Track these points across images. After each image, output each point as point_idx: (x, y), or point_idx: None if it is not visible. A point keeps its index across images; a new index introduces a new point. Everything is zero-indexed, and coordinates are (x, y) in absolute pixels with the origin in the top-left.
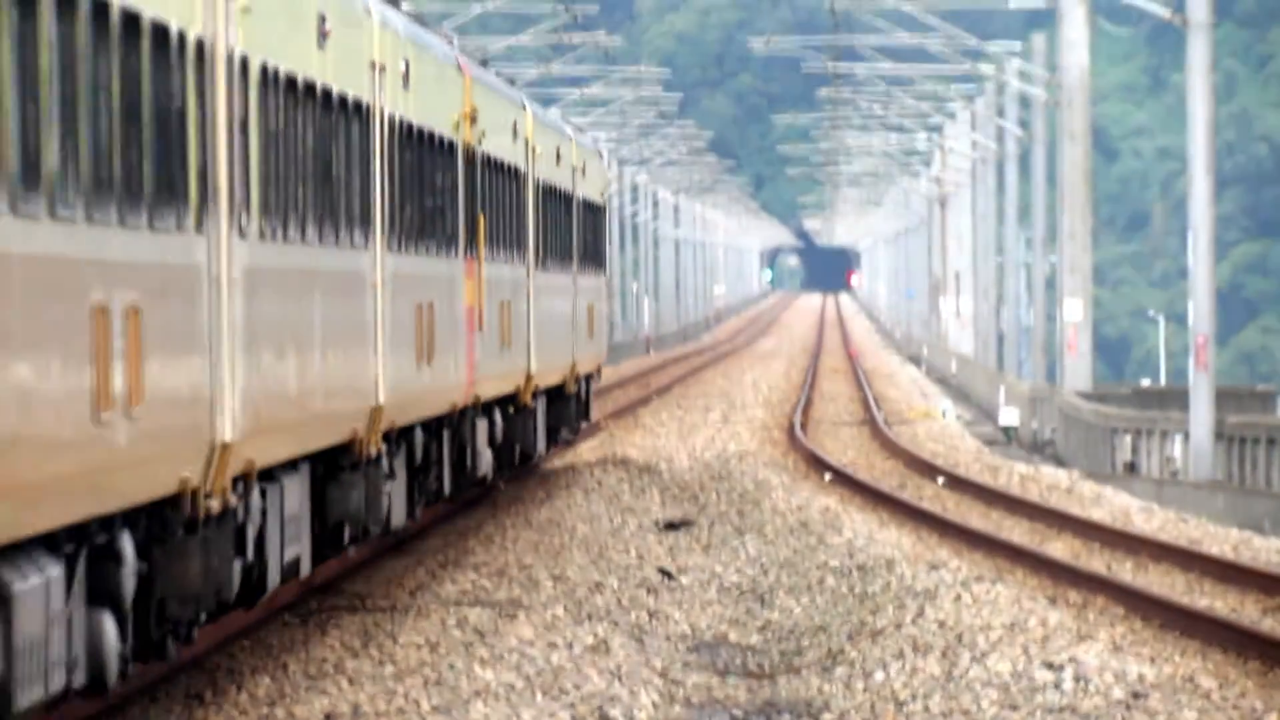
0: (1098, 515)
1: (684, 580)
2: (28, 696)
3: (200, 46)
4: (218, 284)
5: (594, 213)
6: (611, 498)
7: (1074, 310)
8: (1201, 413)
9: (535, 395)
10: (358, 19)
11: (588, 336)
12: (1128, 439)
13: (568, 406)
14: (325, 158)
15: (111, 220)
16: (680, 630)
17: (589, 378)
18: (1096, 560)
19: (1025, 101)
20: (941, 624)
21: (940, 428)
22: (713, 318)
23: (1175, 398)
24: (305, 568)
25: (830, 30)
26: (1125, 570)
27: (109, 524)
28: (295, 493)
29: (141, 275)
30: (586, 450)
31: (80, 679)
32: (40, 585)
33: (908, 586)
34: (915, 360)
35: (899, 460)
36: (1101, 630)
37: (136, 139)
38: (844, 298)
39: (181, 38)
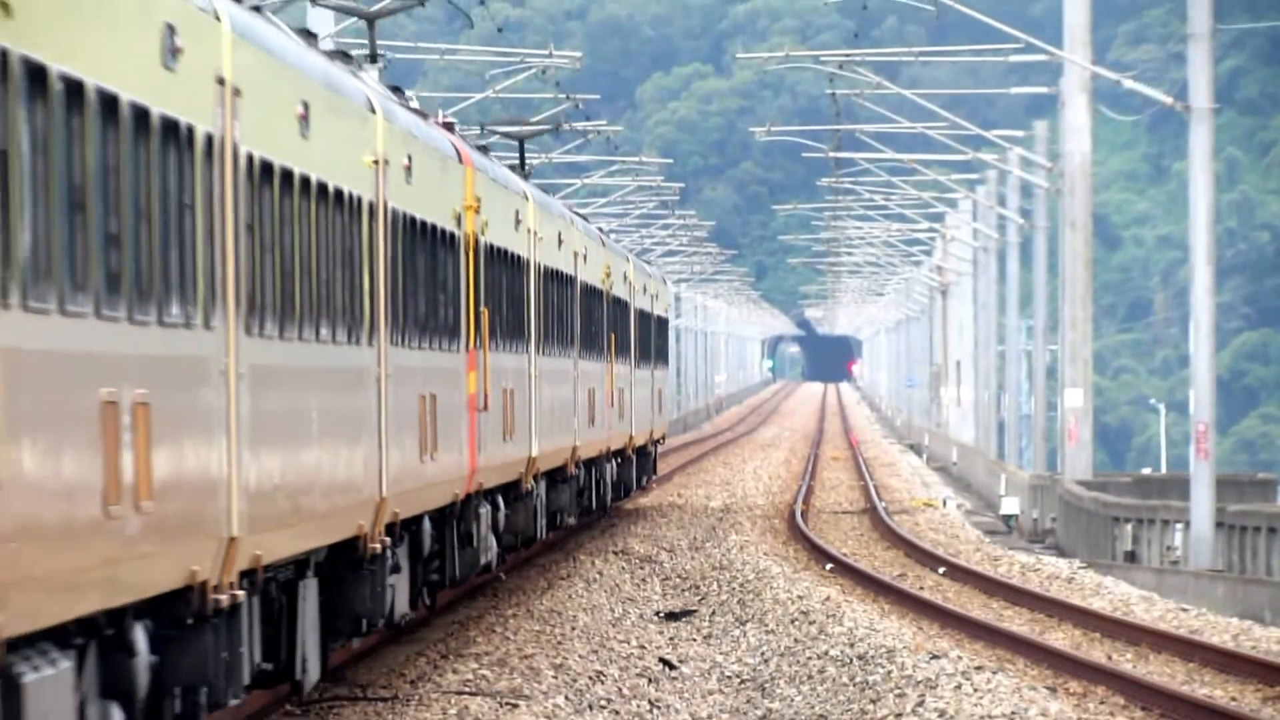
0: (1098, 604)
1: (685, 670)
2: (464, 570)
3: (527, 263)
4: (531, 379)
5: (662, 324)
6: (613, 588)
7: (1075, 399)
8: (1202, 501)
9: (634, 450)
10: (569, 225)
11: (659, 411)
12: (1128, 528)
13: (648, 459)
14: (560, 308)
15: (506, 349)
16: None
17: (658, 441)
18: (1097, 650)
19: (1027, 189)
20: (942, 713)
21: (941, 517)
22: (714, 406)
23: (1176, 486)
24: (541, 534)
25: (832, 119)
26: (1126, 660)
27: (458, 500)
28: (542, 492)
29: (512, 375)
30: (588, 539)
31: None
32: (428, 527)
33: (908, 676)
34: (916, 449)
35: (900, 549)
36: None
37: (516, 310)
38: (845, 387)
39: (524, 260)
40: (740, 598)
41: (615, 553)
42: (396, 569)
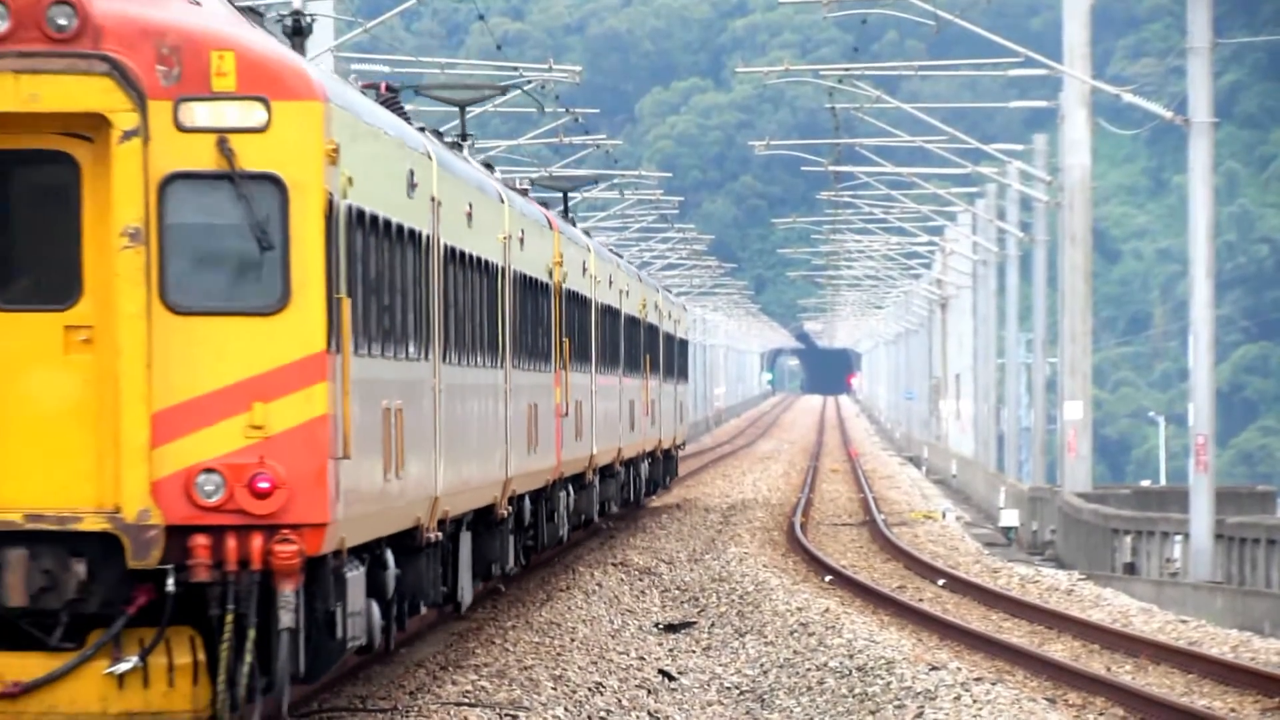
0: (1097, 616)
1: (684, 681)
2: (550, 539)
3: (590, 302)
4: (592, 393)
5: (683, 345)
6: (612, 600)
7: (1074, 411)
8: (1201, 513)
9: (661, 453)
10: (617, 268)
11: (679, 420)
12: (1128, 540)
13: (672, 461)
14: (612, 335)
15: (578, 369)
16: None
17: (679, 446)
18: (1096, 661)
19: (1026, 203)
20: None
21: (940, 529)
22: (712, 419)
23: (1175, 498)
24: (595, 516)
25: (831, 133)
26: (1125, 671)
27: (549, 485)
28: (597, 483)
29: (581, 390)
30: (587, 551)
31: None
32: (528, 504)
33: (908, 687)
34: (915, 462)
35: (899, 561)
36: None
37: (583, 339)
38: (844, 400)
39: (589, 300)
40: (739, 609)
41: (614, 564)
42: (513, 531)
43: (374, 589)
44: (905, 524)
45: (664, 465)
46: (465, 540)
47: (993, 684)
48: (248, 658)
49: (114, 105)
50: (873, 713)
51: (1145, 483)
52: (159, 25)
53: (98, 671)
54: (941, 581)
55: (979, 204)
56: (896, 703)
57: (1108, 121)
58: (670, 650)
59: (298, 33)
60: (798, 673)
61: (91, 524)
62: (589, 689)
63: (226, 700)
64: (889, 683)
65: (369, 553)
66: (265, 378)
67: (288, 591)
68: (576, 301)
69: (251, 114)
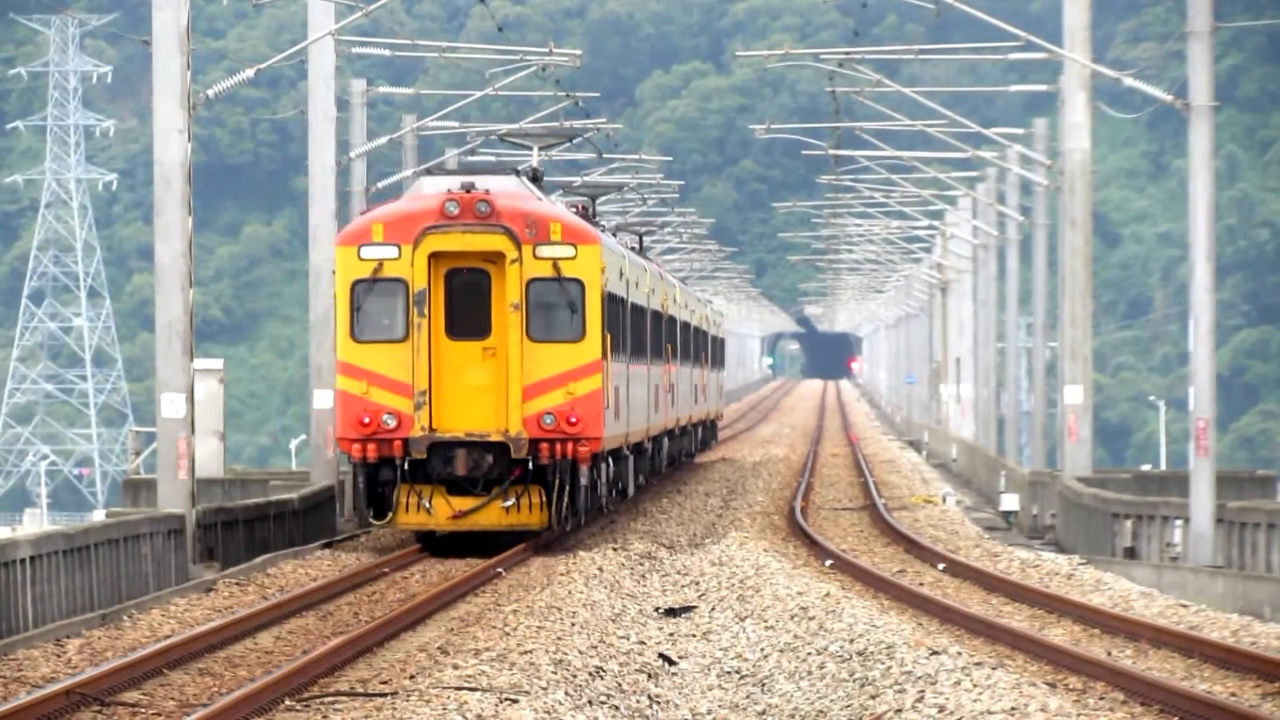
0: (1098, 600)
1: (684, 665)
2: (663, 466)
3: (675, 320)
4: (679, 378)
5: (722, 342)
6: (612, 584)
7: (1074, 395)
8: (1202, 498)
9: (709, 421)
10: (689, 294)
11: (720, 397)
12: (1128, 524)
13: (715, 428)
14: (685, 339)
15: (671, 363)
16: (680, 715)
17: (719, 416)
18: (1097, 646)
19: (1026, 187)
20: (942, 709)
21: (941, 513)
22: None
23: (1176, 483)
24: (679, 460)
25: (831, 116)
26: (1126, 656)
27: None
28: (700, 430)
29: (674, 375)
30: (588, 535)
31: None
32: (651, 445)
33: (908, 671)
34: (916, 446)
35: (899, 546)
36: (1102, 715)
37: (673, 343)
38: (845, 384)
39: (676, 319)
40: (740, 594)
41: (614, 549)
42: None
43: (606, 476)
44: (905, 508)
45: (711, 431)
46: (632, 459)
47: (993, 668)
48: (565, 500)
49: (506, 248)
50: (873, 697)
51: (1146, 467)
52: (526, 210)
53: (497, 505)
54: (942, 566)
55: (979, 188)
56: (897, 687)
57: (1108, 105)
58: (670, 634)
59: (536, 180)
60: (798, 657)
61: (495, 438)
62: (589, 673)
63: (556, 519)
64: (889, 667)
65: (605, 457)
66: (574, 371)
67: (584, 469)
68: (670, 321)
69: (568, 251)
